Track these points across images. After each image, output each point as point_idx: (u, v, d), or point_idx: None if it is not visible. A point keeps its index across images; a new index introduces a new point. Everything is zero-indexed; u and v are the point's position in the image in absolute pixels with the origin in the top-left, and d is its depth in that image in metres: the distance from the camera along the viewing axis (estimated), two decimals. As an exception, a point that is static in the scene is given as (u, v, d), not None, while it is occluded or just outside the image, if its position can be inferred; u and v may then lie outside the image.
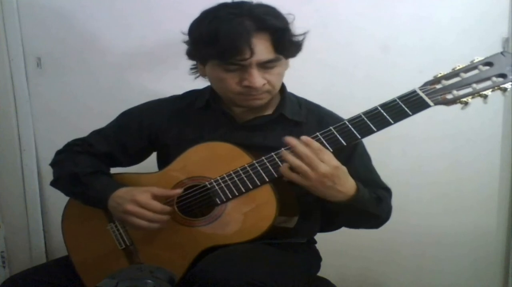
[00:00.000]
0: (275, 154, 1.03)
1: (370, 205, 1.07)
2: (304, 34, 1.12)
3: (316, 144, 0.97)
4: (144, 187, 1.11)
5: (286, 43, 1.08)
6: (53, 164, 1.26)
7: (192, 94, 1.26)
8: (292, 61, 1.15)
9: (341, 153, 1.01)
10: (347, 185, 1.01)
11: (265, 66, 1.07)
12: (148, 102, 1.29)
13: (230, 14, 1.05)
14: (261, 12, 1.06)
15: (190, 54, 1.16)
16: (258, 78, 1.06)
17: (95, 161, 1.23)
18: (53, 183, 1.25)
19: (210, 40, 1.04)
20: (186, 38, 1.13)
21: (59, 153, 1.28)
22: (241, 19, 1.04)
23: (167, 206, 1.09)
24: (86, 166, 1.20)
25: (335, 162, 0.98)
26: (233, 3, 1.09)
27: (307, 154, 0.96)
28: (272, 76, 1.09)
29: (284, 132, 1.14)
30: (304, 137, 0.98)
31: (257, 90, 1.08)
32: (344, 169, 1.00)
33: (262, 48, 1.04)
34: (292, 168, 0.98)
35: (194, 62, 1.20)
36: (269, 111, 1.18)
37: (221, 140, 1.12)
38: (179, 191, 1.10)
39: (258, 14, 1.05)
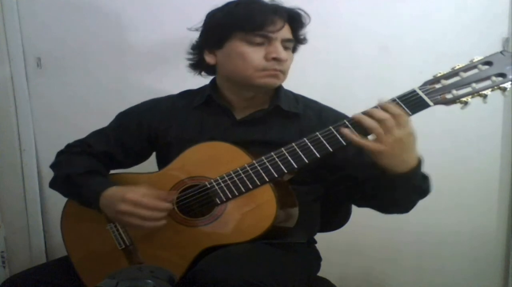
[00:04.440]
0: (275, 154, 1.03)
1: (423, 179, 1.05)
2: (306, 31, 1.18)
3: (394, 109, 0.95)
4: (134, 186, 1.09)
5: (300, 28, 1.16)
6: (52, 165, 1.26)
7: (190, 93, 1.26)
8: (292, 61, 1.16)
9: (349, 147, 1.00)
10: (413, 155, 0.98)
11: (284, 45, 1.12)
12: (145, 102, 1.28)
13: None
14: (276, 4, 1.14)
15: (200, 43, 1.18)
16: (283, 52, 1.10)
17: (93, 161, 1.22)
18: (51, 185, 1.25)
19: (238, 14, 1.10)
20: (188, 36, 1.13)
21: (59, 154, 1.28)
22: (262, 3, 1.12)
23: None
24: (80, 167, 1.19)
25: (409, 128, 0.96)
26: None
27: (385, 117, 0.94)
28: (288, 56, 1.14)
29: (282, 124, 1.15)
30: (381, 103, 0.96)
31: (280, 65, 1.11)
32: (415, 138, 0.97)
33: (286, 27, 1.12)
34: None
35: (193, 61, 1.21)
36: (265, 106, 1.18)
37: (220, 139, 1.12)
38: (171, 197, 1.08)
39: (274, 4, 1.14)
